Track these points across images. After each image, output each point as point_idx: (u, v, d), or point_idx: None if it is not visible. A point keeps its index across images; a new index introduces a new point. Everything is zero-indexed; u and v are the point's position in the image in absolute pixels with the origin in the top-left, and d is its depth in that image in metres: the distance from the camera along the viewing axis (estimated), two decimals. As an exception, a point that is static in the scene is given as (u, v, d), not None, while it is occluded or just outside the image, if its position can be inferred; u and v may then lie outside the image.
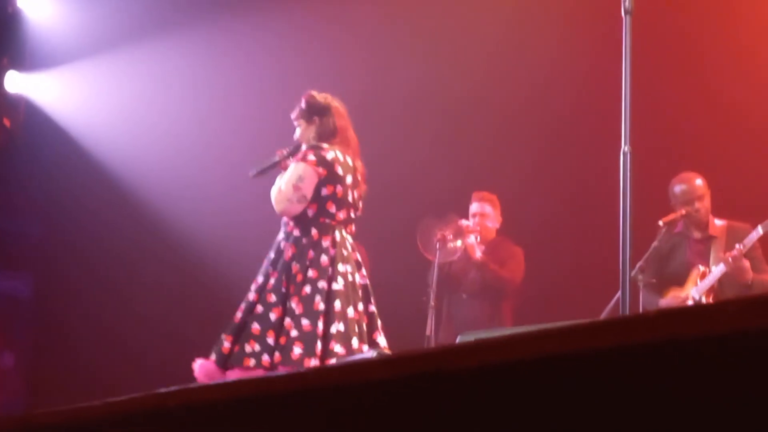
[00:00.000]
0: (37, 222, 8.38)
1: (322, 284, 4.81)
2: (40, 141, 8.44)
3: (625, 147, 3.97)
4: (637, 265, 6.02)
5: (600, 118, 6.25)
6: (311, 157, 5.00)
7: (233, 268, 8.13)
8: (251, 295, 4.89)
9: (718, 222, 6.08)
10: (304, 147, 5.11)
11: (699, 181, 6.09)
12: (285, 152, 5.19)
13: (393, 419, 1.45)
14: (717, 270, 5.83)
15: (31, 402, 7.68)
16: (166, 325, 8.22)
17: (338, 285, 4.85)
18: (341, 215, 5.05)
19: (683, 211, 6.14)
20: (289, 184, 4.94)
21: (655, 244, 6.08)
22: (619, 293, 4.05)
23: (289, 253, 4.90)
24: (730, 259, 5.75)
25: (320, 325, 4.73)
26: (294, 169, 4.99)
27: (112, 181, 8.48)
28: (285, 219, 5.04)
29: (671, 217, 6.14)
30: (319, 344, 4.69)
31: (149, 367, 7.87)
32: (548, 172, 7.82)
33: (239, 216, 8.25)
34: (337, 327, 4.76)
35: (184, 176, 8.50)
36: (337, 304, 4.80)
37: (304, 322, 4.72)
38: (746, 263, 5.76)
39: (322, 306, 4.77)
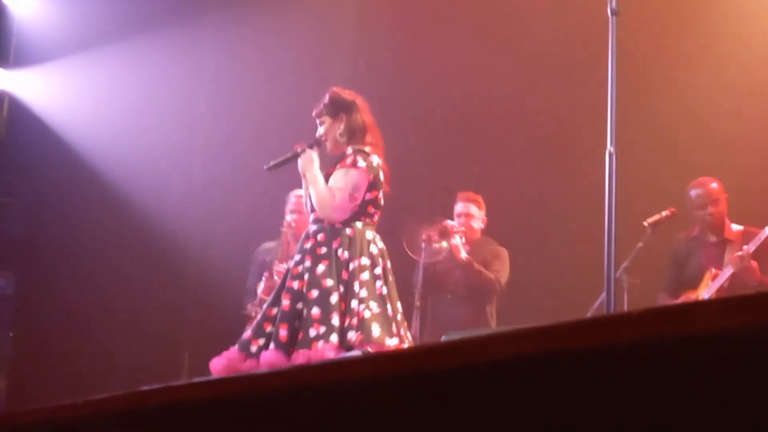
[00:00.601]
0: (20, 220, 8.34)
1: (378, 271, 4.90)
2: (23, 138, 8.41)
3: (610, 147, 3.98)
4: (622, 266, 6.04)
5: (586, 119, 6.26)
6: (362, 163, 5.00)
7: (215, 267, 8.14)
8: (295, 284, 4.86)
9: (735, 227, 6.10)
10: (349, 150, 5.06)
11: (714, 185, 6.11)
12: (304, 146, 5.13)
13: (376, 418, 1.44)
14: (725, 271, 5.87)
15: (12, 400, 7.64)
16: (149, 323, 8.21)
17: (390, 279, 4.98)
18: (376, 218, 5.10)
19: (668, 212, 6.17)
20: (345, 193, 4.93)
21: (640, 245, 6.10)
22: (604, 294, 4.06)
23: (333, 243, 4.90)
24: (737, 260, 5.78)
25: (389, 308, 4.84)
26: (347, 176, 4.97)
27: (95, 179, 8.45)
28: (318, 216, 5.02)
29: (656, 217, 6.16)
30: (394, 326, 4.81)
31: (132, 365, 7.86)
32: (534, 173, 7.83)
33: (222, 215, 8.25)
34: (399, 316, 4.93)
35: (169, 174, 8.49)
36: (393, 296, 4.95)
37: (373, 305, 4.78)
38: (754, 264, 5.78)
39: (384, 290, 4.88)
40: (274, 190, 7.53)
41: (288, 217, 6.89)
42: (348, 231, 4.93)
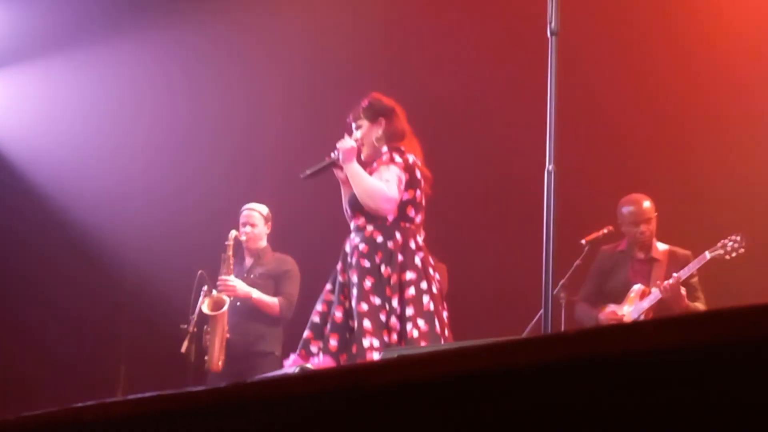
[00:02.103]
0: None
1: (424, 285, 4.78)
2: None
3: (549, 166, 4.01)
4: (560, 283, 6.09)
5: (525, 137, 6.30)
6: (398, 159, 4.90)
7: (154, 281, 8.07)
8: (341, 297, 4.81)
9: (661, 246, 6.15)
10: (384, 149, 4.96)
11: (647, 204, 6.15)
12: (338, 153, 4.99)
13: (314, 435, 1.44)
14: (653, 295, 5.92)
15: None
16: (86, 336, 8.11)
17: (434, 289, 4.84)
18: (418, 219, 4.97)
19: (606, 230, 6.24)
20: (393, 185, 4.80)
21: (577, 262, 6.16)
22: (541, 311, 4.08)
23: (376, 257, 4.79)
24: (667, 288, 5.83)
25: (437, 325, 4.72)
26: (389, 171, 4.85)
27: (32, 190, 8.35)
28: (359, 224, 4.91)
29: (594, 235, 6.22)
30: (442, 341, 4.71)
31: (68, 378, 7.77)
32: (473, 189, 7.87)
33: (164, 228, 8.18)
34: (446, 331, 4.83)
35: (109, 187, 8.40)
36: (440, 308, 4.84)
37: (420, 322, 4.68)
38: (682, 291, 5.84)
39: (431, 306, 4.76)
40: (217, 204, 7.51)
41: (233, 231, 6.86)
42: (390, 244, 4.81)
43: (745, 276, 6.30)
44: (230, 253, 6.75)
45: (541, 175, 4.17)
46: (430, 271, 4.88)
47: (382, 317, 4.67)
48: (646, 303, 5.91)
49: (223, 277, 6.70)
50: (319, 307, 4.96)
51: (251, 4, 8.41)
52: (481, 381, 1.21)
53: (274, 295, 6.83)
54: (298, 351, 4.89)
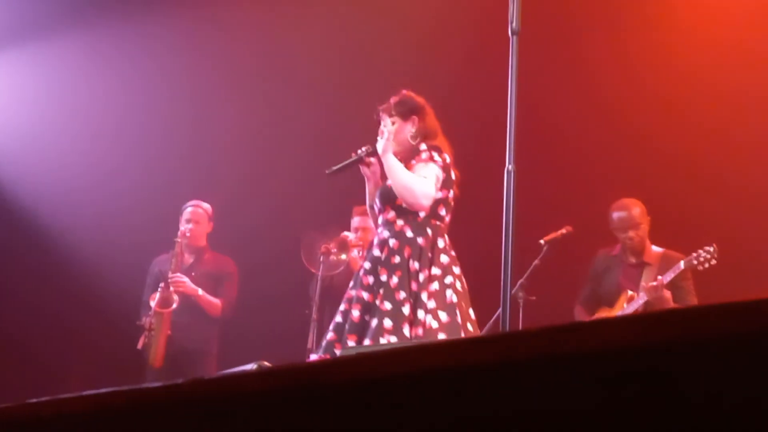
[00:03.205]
0: None
1: (448, 280, 4.77)
2: None
3: (509, 165, 4.02)
4: (518, 283, 6.12)
5: (485, 137, 6.32)
6: (437, 158, 4.88)
7: (108, 278, 8.01)
8: (365, 294, 4.75)
9: (655, 249, 6.21)
10: (423, 146, 4.93)
11: (636, 210, 6.21)
12: (365, 150, 5.02)
13: (270, 433, 1.43)
14: (640, 298, 5.97)
15: None
16: (40, 333, 8.04)
17: (459, 287, 4.82)
18: (447, 219, 4.97)
19: (564, 230, 6.27)
20: (431, 183, 4.78)
21: (536, 262, 6.19)
22: (500, 310, 4.09)
23: (405, 252, 4.76)
24: (651, 290, 5.89)
25: (458, 317, 4.71)
26: (427, 168, 4.83)
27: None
28: (389, 218, 4.89)
29: (552, 235, 6.26)
30: (463, 334, 4.68)
31: (22, 375, 7.70)
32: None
33: (117, 226, 8.12)
34: (470, 325, 4.81)
35: (63, 184, 8.32)
36: (463, 304, 4.81)
37: (442, 314, 4.66)
38: (667, 294, 5.89)
39: (454, 299, 4.74)
40: (169, 201, 7.46)
41: (182, 227, 6.84)
42: (420, 240, 4.80)
43: (742, 280, 6.41)
44: (178, 250, 6.75)
45: (500, 174, 4.18)
46: (456, 269, 4.88)
47: (405, 310, 4.63)
48: (633, 306, 5.97)
49: (173, 274, 6.69)
50: (342, 306, 4.92)
51: (204, 2, 8.38)
52: (439, 378, 1.21)
53: (214, 295, 6.84)
54: (321, 353, 4.87)
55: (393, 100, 5.09)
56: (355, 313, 4.74)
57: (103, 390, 1.54)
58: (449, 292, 4.77)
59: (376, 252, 4.86)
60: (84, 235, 8.24)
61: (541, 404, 1.12)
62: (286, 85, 8.16)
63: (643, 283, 6.01)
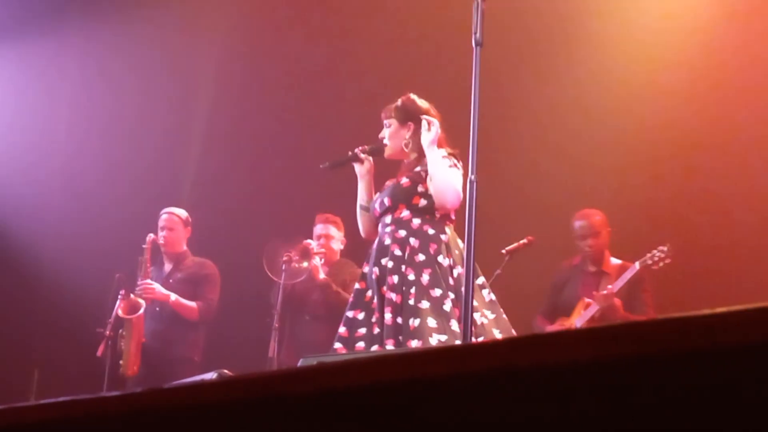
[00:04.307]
0: None
1: (480, 280, 4.72)
2: None
3: (471, 176, 4.04)
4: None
5: (447, 146, 6.33)
6: (460, 165, 4.79)
7: (70, 284, 7.94)
8: (393, 295, 4.59)
9: (614, 260, 6.27)
10: (445, 152, 4.83)
11: (597, 218, 6.30)
12: (365, 149, 4.98)
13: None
14: (592, 307, 6.03)
15: None
16: (3, 332, 7.96)
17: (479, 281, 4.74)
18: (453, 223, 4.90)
19: (526, 240, 6.31)
20: (460, 186, 4.69)
21: (498, 272, 6.21)
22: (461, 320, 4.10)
23: (430, 249, 4.66)
24: (602, 298, 5.96)
25: (502, 312, 4.69)
26: (457, 174, 4.75)
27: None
28: (403, 217, 4.76)
29: (514, 246, 6.30)
30: (513, 332, 4.67)
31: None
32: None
33: (81, 231, 8.07)
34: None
35: (26, 188, 8.28)
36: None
37: (487, 312, 4.63)
38: (617, 302, 5.96)
39: (493, 296, 4.73)
40: (135, 206, 7.43)
41: (150, 235, 6.80)
42: (444, 237, 4.73)
43: (702, 290, 6.49)
44: (147, 256, 6.70)
45: (463, 184, 4.19)
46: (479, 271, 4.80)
47: (446, 306, 4.53)
48: (587, 314, 6.03)
49: (142, 280, 6.64)
50: (357, 309, 4.81)
51: (173, 3, 8.35)
52: (399, 390, 1.22)
53: (193, 299, 6.78)
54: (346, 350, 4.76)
55: (396, 103, 5.04)
56: (388, 316, 4.60)
57: (62, 399, 1.53)
58: (485, 291, 4.74)
59: (397, 251, 4.71)
60: (47, 241, 8.19)
61: (494, 417, 1.13)
62: (253, 92, 8.14)
63: (594, 293, 6.07)
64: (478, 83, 4.06)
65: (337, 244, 6.79)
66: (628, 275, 6.02)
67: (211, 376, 4.53)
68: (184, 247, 6.97)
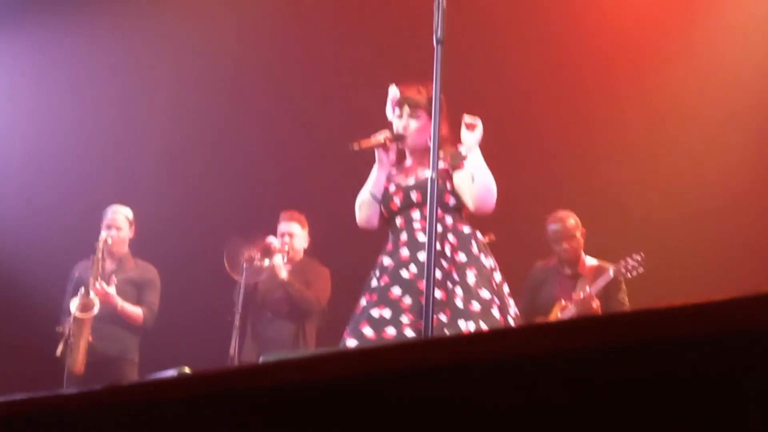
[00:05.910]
0: None
1: (507, 289, 4.57)
2: None
3: (432, 174, 4.04)
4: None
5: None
6: None
7: (28, 284, 7.88)
8: (438, 293, 4.17)
9: (590, 261, 6.28)
10: (466, 151, 4.66)
11: (571, 221, 6.30)
12: (390, 136, 4.66)
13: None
14: (569, 309, 6.06)
15: None
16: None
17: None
18: None
19: (486, 238, 6.33)
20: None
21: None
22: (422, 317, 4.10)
23: (471, 248, 4.46)
24: (579, 302, 5.99)
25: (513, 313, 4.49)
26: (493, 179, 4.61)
27: None
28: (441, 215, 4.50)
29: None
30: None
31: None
32: (354, 193, 7.89)
33: (37, 231, 8.01)
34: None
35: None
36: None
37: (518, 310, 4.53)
38: (594, 305, 5.98)
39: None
40: (90, 206, 7.36)
41: (104, 233, 6.75)
42: (480, 236, 4.59)
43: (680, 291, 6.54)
44: (100, 255, 6.65)
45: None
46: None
47: (495, 313, 4.33)
48: (565, 316, 6.05)
49: (95, 280, 6.59)
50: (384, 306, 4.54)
51: (133, 5, 8.31)
52: (359, 385, 1.22)
53: (137, 303, 6.77)
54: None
55: (427, 94, 4.67)
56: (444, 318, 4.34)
57: (18, 396, 1.52)
58: (506, 288, 4.57)
59: (438, 246, 4.36)
60: (4, 237, 8.11)
61: (459, 409, 1.13)
62: (207, 88, 8.12)
63: (574, 295, 6.09)
64: (439, 81, 4.05)
65: (301, 242, 6.76)
66: (602, 282, 6.04)
67: (171, 373, 4.52)
68: (126, 248, 6.94)
